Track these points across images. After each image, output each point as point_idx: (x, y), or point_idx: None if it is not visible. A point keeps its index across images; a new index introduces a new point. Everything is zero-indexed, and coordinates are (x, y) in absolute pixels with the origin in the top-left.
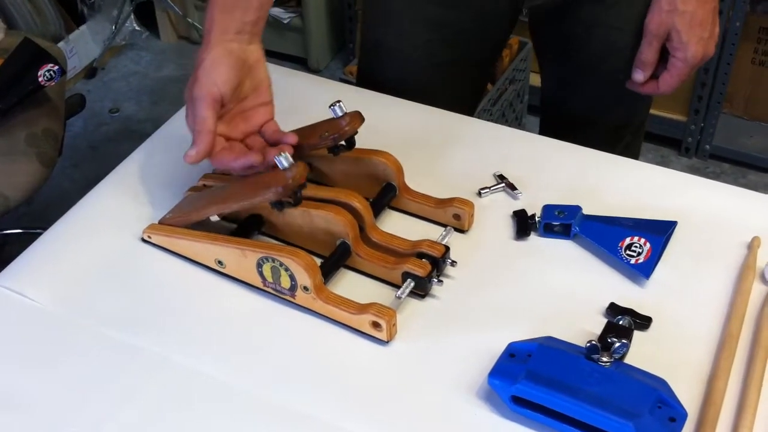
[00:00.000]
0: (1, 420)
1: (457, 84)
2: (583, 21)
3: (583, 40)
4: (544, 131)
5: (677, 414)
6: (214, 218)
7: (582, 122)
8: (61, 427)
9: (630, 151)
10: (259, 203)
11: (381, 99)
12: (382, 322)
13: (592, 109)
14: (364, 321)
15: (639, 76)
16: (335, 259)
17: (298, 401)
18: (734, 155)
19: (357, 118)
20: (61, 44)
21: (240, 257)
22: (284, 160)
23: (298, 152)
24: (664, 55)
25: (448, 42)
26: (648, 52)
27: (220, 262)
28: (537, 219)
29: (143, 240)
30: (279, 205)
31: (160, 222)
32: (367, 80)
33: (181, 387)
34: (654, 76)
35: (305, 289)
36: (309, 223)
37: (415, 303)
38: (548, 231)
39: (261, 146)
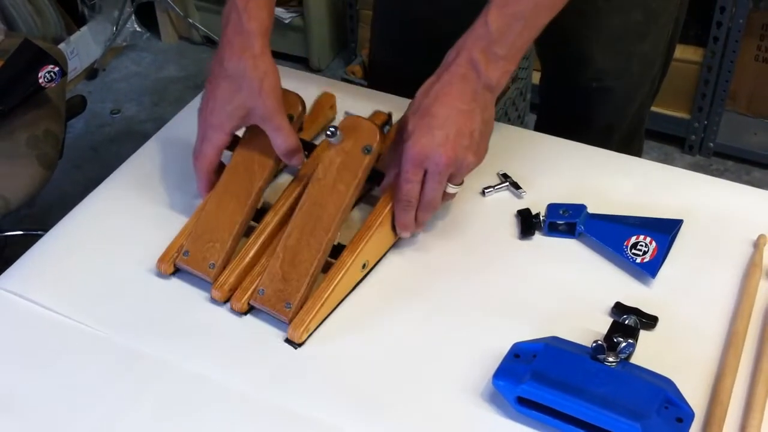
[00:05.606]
0: (1, 423)
1: None
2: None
3: (560, 47)
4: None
5: (684, 414)
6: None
7: (568, 125)
8: (61, 431)
9: (632, 150)
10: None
11: (383, 98)
12: None
13: (572, 110)
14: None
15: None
16: None
17: (300, 404)
18: (738, 152)
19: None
20: (61, 45)
21: None
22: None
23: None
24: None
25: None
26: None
27: None
28: (541, 218)
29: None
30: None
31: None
32: (384, 75)
33: (181, 391)
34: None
35: None
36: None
37: (417, 302)
38: (553, 230)
39: None
